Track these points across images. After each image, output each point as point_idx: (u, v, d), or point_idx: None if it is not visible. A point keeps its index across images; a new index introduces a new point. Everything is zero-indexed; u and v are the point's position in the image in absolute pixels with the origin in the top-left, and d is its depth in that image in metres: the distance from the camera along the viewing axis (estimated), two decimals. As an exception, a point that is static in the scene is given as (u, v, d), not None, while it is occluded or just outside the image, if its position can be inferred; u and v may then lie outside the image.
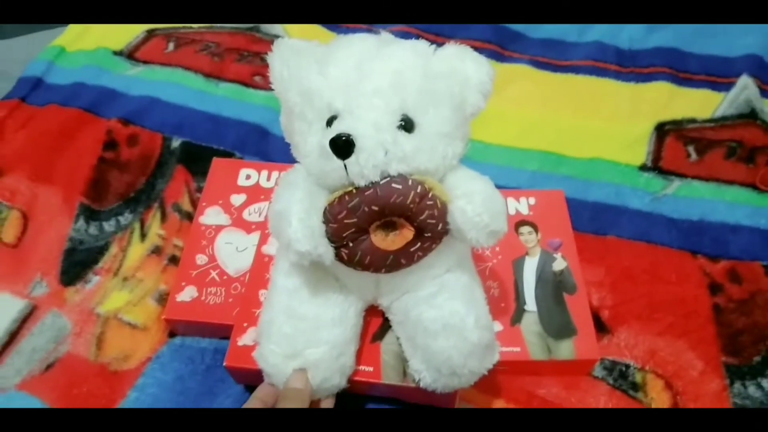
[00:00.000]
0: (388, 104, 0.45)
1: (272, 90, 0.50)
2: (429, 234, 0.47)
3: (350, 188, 0.45)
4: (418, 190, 0.45)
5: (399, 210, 0.45)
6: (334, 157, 0.44)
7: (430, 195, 0.45)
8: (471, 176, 0.49)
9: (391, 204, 0.45)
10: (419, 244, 0.48)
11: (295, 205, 0.45)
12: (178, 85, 0.93)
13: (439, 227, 0.47)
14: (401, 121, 0.45)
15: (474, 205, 0.46)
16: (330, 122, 0.46)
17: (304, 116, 0.48)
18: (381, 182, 0.45)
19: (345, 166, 0.44)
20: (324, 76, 0.47)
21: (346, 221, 0.45)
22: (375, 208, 0.45)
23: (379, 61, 0.46)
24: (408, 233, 0.47)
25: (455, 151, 0.49)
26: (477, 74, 0.48)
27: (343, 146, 0.43)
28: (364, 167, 0.44)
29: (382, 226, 0.47)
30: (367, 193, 0.45)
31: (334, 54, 0.48)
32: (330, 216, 0.45)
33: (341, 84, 0.46)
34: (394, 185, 0.45)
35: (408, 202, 0.45)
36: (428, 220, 0.46)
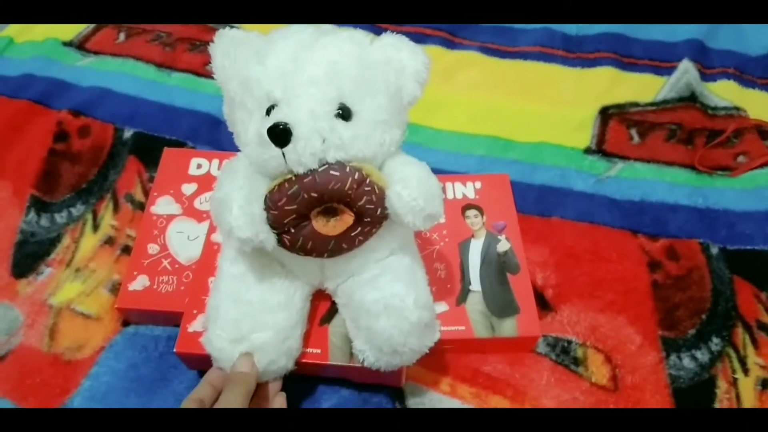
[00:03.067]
0: (325, 93, 0.46)
1: (222, 80, 0.51)
2: (368, 219, 0.49)
3: (290, 176, 0.47)
4: (356, 177, 0.46)
5: (338, 196, 0.47)
6: (273, 146, 0.45)
7: (367, 181, 0.47)
8: (408, 162, 0.51)
9: (329, 190, 0.46)
10: (359, 228, 0.49)
11: (236, 192, 0.46)
12: (130, 76, 0.93)
13: (378, 212, 0.48)
14: (338, 109, 0.47)
15: (410, 189, 0.47)
16: (269, 111, 0.47)
17: (244, 105, 0.49)
18: (319, 169, 0.46)
19: (283, 154, 0.45)
20: (263, 66, 0.48)
21: (286, 208, 0.47)
22: (314, 194, 0.46)
23: (316, 50, 0.48)
24: (348, 218, 0.48)
25: (393, 138, 0.50)
26: (412, 63, 0.50)
27: (280, 135, 0.44)
28: (301, 155, 0.45)
29: (323, 212, 0.48)
30: (305, 180, 0.46)
31: (273, 44, 0.49)
32: (271, 203, 0.47)
33: (279, 73, 0.47)
34: (332, 172, 0.46)
35: (346, 188, 0.46)
36: (367, 206, 0.48)
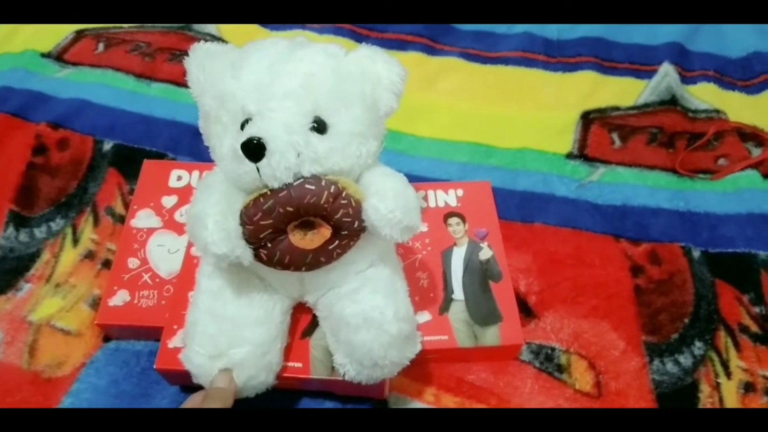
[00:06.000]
0: (300, 106, 0.46)
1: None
2: (346, 232, 0.49)
3: (265, 190, 0.46)
4: (332, 190, 0.46)
5: (314, 210, 0.46)
6: (247, 160, 0.45)
7: (343, 194, 0.47)
8: (385, 174, 0.51)
9: (305, 204, 0.46)
10: (337, 242, 0.49)
11: (211, 208, 0.46)
12: (109, 87, 0.92)
13: (355, 225, 0.48)
14: (313, 122, 0.46)
15: (386, 202, 0.47)
16: (244, 125, 0.47)
17: (219, 119, 0.49)
18: (294, 183, 0.46)
19: (258, 168, 0.45)
20: (237, 79, 0.47)
21: (261, 223, 0.46)
22: (290, 209, 0.46)
23: (290, 63, 0.47)
24: (325, 232, 0.48)
25: (369, 150, 0.50)
26: (388, 74, 0.50)
27: (254, 149, 0.44)
28: (276, 170, 0.44)
29: (300, 226, 0.48)
30: (281, 194, 0.46)
31: (248, 57, 0.49)
32: (246, 218, 0.46)
33: (253, 87, 0.47)
34: (307, 186, 0.46)
35: (322, 201, 0.46)
36: (344, 219, 0.47)
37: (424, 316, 0.64)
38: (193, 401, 0.51)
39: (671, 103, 0.91)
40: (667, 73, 0.94)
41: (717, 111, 0.90)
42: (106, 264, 0.73)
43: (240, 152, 0.44)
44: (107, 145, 0.85)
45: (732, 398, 0.64)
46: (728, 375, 0.66)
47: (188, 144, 0.85)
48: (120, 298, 0.65)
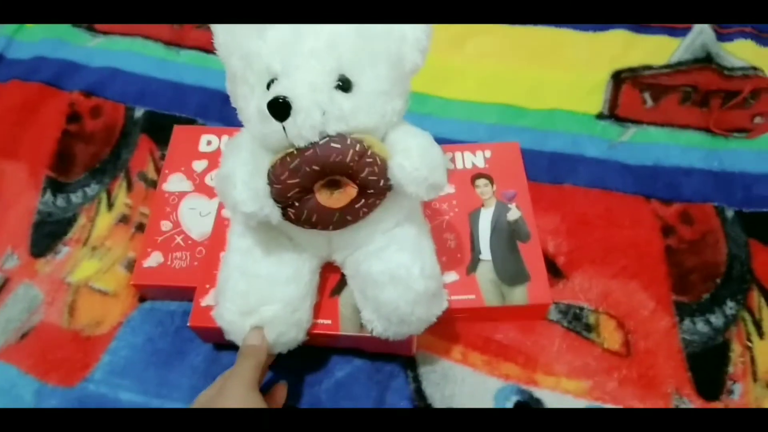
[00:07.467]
0: (324, 65, 0.46)
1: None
2: (372, 191, 0.49)
3: (292, 149, 0.47)
4: (357, 149, 0.46)
5: (339, 168, 0.47)
6: (273, 120, 0.45)
7: (369, 153, 0.47)
8: (410, 132, 0.51)
9: (331, 163, 0.46)
10: (363, 200, 0.50)
11: (240, 167, 0.47)
12: (139, 55, 0.93)
13: (381, 183, 0.48)
14: (338, 81, 0.47)
15: (412, 160, 0.47)
16: (270, 85, 0.47)
17: (245, 80, 0.49)
18: (320, 142, 0.46)
19: (284, 128, 0.45)
20: (263, 39, 0.48)
21: (289, 182, 0.47)
22: (316, 167, 0.46)
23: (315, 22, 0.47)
24: (352, 191, 0.49)
25: (395, 109, 0.50)
26: (413, 31, 0.49)
27: (280, 108, 0.44)
28: (301, 128, 0.45)
29: (326, 185, 0.48)
30: (307, 153, 0.46)
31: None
32: (273, 177, 0.47)
33: (279, 46, 0.47)
34: (332, 144, 0.46)
35: (347, 160, 0.46)
36: (369, 177, 0.48)
37: (452, 276, 0.64)
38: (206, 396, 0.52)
39: (706, 61, 0.89)
40: (702, 30, 0.91)
41: (754, 68, 0.87)
42: (140, 227, 0.75)
43: (266, 112, 0.45)
44: (138, 112, 0.86)
45: (764, 358, 0.64)
46: (761, 335, 0.65)
47: (217, 109, 0.85)
48: (154, 259, 0.67)
